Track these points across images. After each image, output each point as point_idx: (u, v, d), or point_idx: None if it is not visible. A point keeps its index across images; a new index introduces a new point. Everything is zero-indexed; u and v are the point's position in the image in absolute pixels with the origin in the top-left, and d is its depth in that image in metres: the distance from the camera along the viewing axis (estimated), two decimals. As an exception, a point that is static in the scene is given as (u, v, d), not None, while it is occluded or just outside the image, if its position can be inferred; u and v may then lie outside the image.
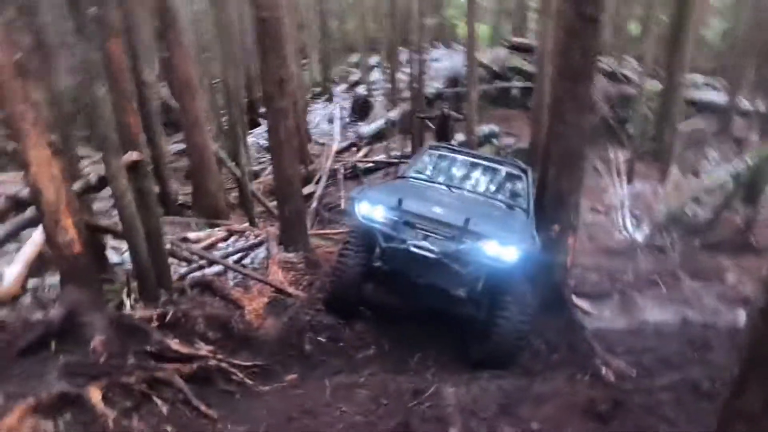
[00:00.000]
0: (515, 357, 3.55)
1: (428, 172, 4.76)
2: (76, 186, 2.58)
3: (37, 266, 3.36)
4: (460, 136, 9.78)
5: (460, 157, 4.88)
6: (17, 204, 3.04)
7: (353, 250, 3.67)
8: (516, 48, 13.23)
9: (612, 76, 11.95)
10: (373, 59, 17.35)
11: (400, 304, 4.00)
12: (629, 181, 9.58)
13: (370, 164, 10.53)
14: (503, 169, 4.74)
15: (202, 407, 2.16)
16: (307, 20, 19.76)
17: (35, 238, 3.43)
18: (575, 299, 5.67)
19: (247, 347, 3.29)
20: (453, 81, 12.66)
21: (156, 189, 6.54)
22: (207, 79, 9.55)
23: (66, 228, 2.19)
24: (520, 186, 4.58)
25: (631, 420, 2.91)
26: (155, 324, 2.77)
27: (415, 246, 3.33)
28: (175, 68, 5.52)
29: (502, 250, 3.27)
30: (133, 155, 2.77)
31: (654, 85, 10.98)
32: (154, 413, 2.03)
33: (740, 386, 1.57)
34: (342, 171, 10.12)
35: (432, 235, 3.41)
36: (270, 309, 3.80)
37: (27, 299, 2.90)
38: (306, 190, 9.43)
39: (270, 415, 2.31)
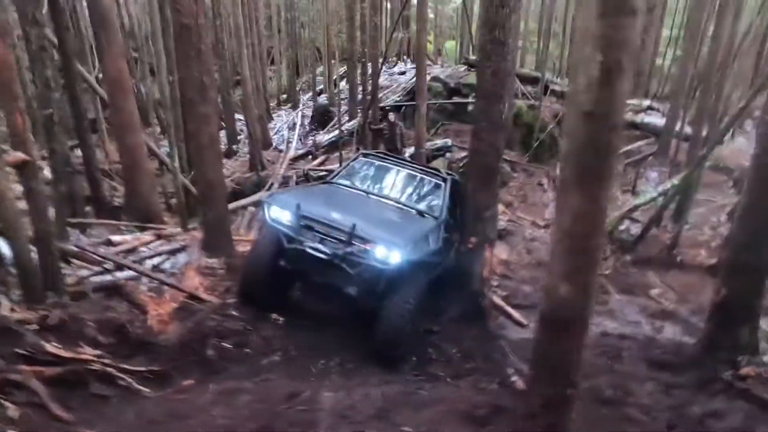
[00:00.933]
0: (396, 351, 3.80)
1: (353, 178, 5.00)
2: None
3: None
4: (411, 149, 10.00)
5: (387, 165, 5.11)
6: None
7: (262, 250, 3.95)
8: (473, 65, 13.68)
9: (560, 95, 12.54)
10: (342, 69, 17.56)
11: (307, 302, 4.28)
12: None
13: (323, 172, 10.59)
14: (425, 178, 4.97)
15: (57, 411, 2.14)
16: (277, 27, 19.83)
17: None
18: (510, 310, 5.88)
19: (144, 352, 3.26)
20: (411, 93, 12.94)
21: (86, 191, 6.46)
22: (152, 78, 9.43)
23: None
24: (437, 194, 4.77)
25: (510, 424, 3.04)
26: (35, 326, 2.72)
27: (310, 247, 3.66)
28: (106, 67, 5.45)
29: (387, 253, 3.55)
30: (19, 155, 2.74)
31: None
32: (3, 417, 2.00)
33: (528, 390, 1.70)
34: (294, 178, 10.15)
35: (327, 238, 3.70)
36: (177, 314, 3.78)
37: None
38: (255, 197, 9.43)
39: (136, 419, 2.31)
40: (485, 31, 4.15)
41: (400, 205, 4.60)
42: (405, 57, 18.81)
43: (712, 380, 3.85)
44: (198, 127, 4.27)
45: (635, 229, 8.55)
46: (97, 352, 2.92)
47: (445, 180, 4.90)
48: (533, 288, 7.13)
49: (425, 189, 4.87)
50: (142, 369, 3.08)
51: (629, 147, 12.37)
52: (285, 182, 10.23)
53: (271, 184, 9.93)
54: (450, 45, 24.44)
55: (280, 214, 3.85)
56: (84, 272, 3.86)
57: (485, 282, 5.10)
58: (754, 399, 3.50)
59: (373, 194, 4.68)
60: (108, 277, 4.01)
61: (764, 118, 3.43)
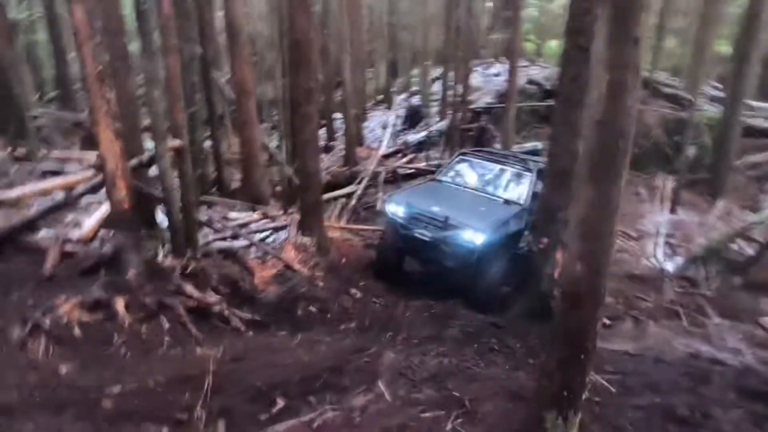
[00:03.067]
0: (491, 302, 4.94)
1: (453, 175, 6.06)
2: (132, 161, 3.51)
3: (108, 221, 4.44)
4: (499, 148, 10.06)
5: (481, 161, 6.06)
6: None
7: (387, 235, 5.38)
8: (573, 67, 13.06)
9: (673, 98, 11.43)
10: (438, 71, 17.92)
11: (420, 270, 5.58)
12: (672, 209, 9.21)
13: (411, 170, 11.12)
14: (512, 170, 5.77)
15: (194, 330, 2.94)
16: (378, 30, 20.84)
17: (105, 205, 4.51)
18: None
19: (250, 304, 4.07)
20: (504, 96, 12.84)
21: (214, 175, 7.79)
22: (273, 82, 10.77)
23: (120, 189, 3.09)
24: (523, 183, 5.55)
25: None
26: (178, 272, 3.63)
27: (418, 233, 4.91)
28: (235, 73, 6.59)
29: (473, 236, 4.72)
30: (176, 142, 3.67)
31: (715, 112, 10.39)
32: (158, 326, 2.83)
33: (547, 353, 1.98)
34: (383, 175, 10.83)
35: (430, 225, 4.90)
36: (276, 279, 4.58)
37: (96, 242, 3.92)
38: (348, 189, 10.31)
39: (243, 347, 3.02)
40: (568, 37, 4.25)
41: (489, 196, 5.55)
42: (502, 58, 18.53)
43: None
44: (302, 125, 5.05)
45: (751, 251, 7.66)
46: (218, 297, 3.76)
47: (530, 170, 5.61)
48: (615, 300, 6.85)
49: (512, 180, 5.69)
50: (249, 316, 3.87)
51: (755, 158, 10.88)
52: (374, 177, 10.96)
53: (362, 179, 10.73)
54: (552, 44, 23.38)
55: (396, 209, 5.16)
56: (210, 237, 4.85)
57: (555, 283, 5.15)
58: None
59: (468, 188, 5.72)
60: (226, 244, 4.98)
61: None
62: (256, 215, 6.32)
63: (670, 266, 7.78)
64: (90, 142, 10.16)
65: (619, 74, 1.41)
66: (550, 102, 12.13)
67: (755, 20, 8.89)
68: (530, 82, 12.80)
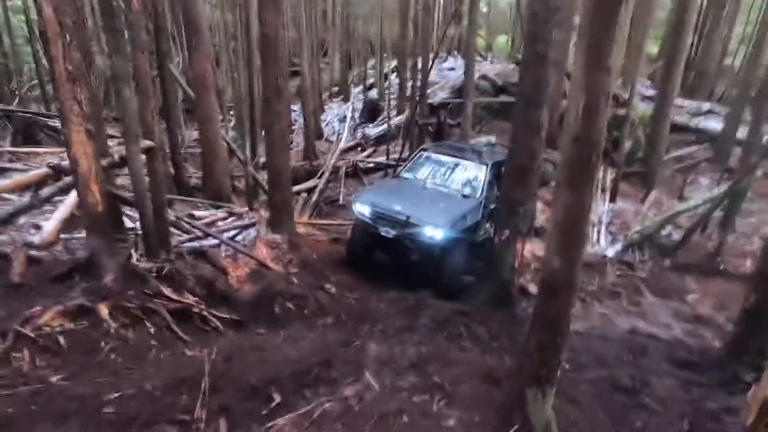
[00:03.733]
0: (454, 291, 5.41)
1: (414, 171, 6.47)
2: (104, 162, 3.39)
3: (68, 224, 4.23)
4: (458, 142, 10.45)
5: (440, 157, 6.50)
6: (57, 172, 3.89)
7: (356, 232, 5.89)
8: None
9: (612, 97, 12.35)
10: (393, 64, 18.08)
11: (385, 262, 5.97)
12: (612, 199, 10.08)
13: (371, 164, 11.29)
14: (469, 164, 6.23)
15: (180, 332, 2.95)
16: (332, 21, 20.61)
17: (68, 201, 4.30)
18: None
19: (226, 304, 4.07)
20: (459, 91, 13.31)
21: (172, 172, 7.50)
22: (228, 77, 10.47)
23: (93, 192, 3.00)
24: (479, 177, 6.03)
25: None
26: (153, 275, 3.57)
27: (383, 230, 5.38)
28: (194, 67, 6.38)
29: (433, 232, 5.19)
30: (147, 143, 3.59)
31: (647, 110, 11.42)
32: (144, 331, 2.82)
33: (528, 336, 2.25)
34: (344, 169, 10.91)
35: (393, 223, 5.34)
36: (251, 277, 4.59)
37: (59, 246, 3.74)
38: (309, 184, 10.29)
39: (230, 347, 3.07)
40: (528, 43, 4.58)
41: (448, 190, 6.00)
42: (455, 53, 19.03)
43: (734, 381, 4.00)
44: (271, 122, 5.05)
45: (678, 235, 8.58)
46: (196, 298, 3.74)
47: (486, 163, 6.11)
48: (565, 284, 7.39)
49: (469, 174, 6.15)
50: (227, 316, 3.89)
51: (681, 152, 12.10)
52: (335, 172, 11.02)
53: (322, 173, 10.75)
54: (501, 40, 24.27)
55: (362, 209, 5.63)
56: (180, 238, 4.75)
57: (515, 271, 5.58)
58: (773, 399, 3.70)
59: (428, 184, 6.15)
60: (195, 244, 4.89)
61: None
62: (221, 213, 6.22)
63: (611, 252, 8.56)
64: (24, 136, 9.40)
65: (593, 98, 1.65)
66: (505, 99, 12.77)
67: (682, 24, 9.85)
68: (483, 77, 13.34)
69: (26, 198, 3.64)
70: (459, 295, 5.43)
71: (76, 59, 2.82)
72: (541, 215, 9.35)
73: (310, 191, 10.05)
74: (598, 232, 8.99)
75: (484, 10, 24.06)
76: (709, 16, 15.46)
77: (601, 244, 8.83)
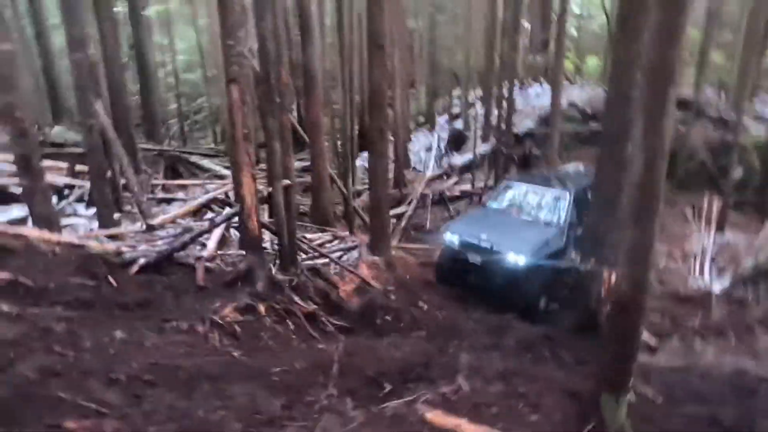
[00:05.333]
0: (535, 311, 5.79)
1: (499, 201, 7.01)
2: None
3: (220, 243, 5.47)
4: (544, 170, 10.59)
5: (523, 187, 6.94)
6: (216, 201, 5.10)
7: (444, 257, 6.56)
8: (614, 90, 13.40)
9: (717, 119, 11.58)
10: (477, 93, 18.57)
11: (472, 286, 6.35)
12: (719, 230, 9.40)
13: (457, 192, 11.83)
14: (551, 192, 6.58)
15: (311, 330, 3.79)
16: (419, 52, 21.81)
17: (220, 227, 5.55)
18: (646, 337, 6.30)
19: (338, 313, 4.90)
20: (545, 120, 13.38)
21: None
22: (330, 116, 11.89)
23: (253, 220, 4.03)
24: (561, 206, 6.35)
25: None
26: (287, 285, 4.52)
27: (471, 257, 5.99)
28: (308, 112, 7.64)
29: (517, 258, 5.68)
30: (286, 182, 4.62)
31: (761, 135, 10.50)
32: (287, 327, 3.70)
33: (603, 348, 2.63)
34: (431, 197, 11.60)
35: (480, 251, 5.91)
36: (356, 292, 5.41)
37: (218, 260, 4.90)
38: (398, 210, 11.14)
39: (349, 344, 3.84)
40: (611, 84, 4.90)
41: (531, 218, 6.43)
42: (542, 80, 18.97)
43: None
44: (376, 159, 5.95)
45: (803, 268, 7.78)
46: (315, 306, 4.62)
47: (569, 192, 6.42)
48: (662, 319, 7.18)
49: (551, 202, 6.52)
50: (339, 323, 4.70)
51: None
52: (422, 199, 11.75)
53: (411, 201, 11.56)
54: (592, 62, 23.46)
55: (452, 238, 6.31)
56: (301, 256, 5.76)
57: (601, 301, 5.68)
58: None
59: (512, 213, 6.65)
60: (310, 262, 5.88)
61: None
62: (327, 236, 7.25)
63: (717, 286, 8.02)
64: (172, 171, 11.59)
65: (651, 153, 2.13)
66: (594, 126, 12.57)
67: None
68: (571, 104, 13.28)
69: (205, 223, 4.87)
70: (544, 321, 5.67)
71: (247, 124, 3.90)
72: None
73: (399, 217, 10.87)
74: (701, 265, 8.48)
75: (574, 33, 23.60)
76: None
77: (705, 278, 8.30)
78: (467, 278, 6.27)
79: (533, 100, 16.12)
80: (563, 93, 14.80)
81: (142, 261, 3.93)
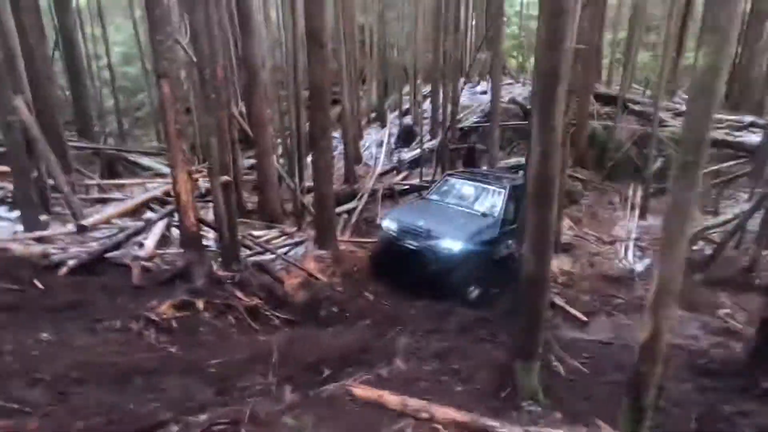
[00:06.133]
0: (465, 294, 6.06)
1: (439, 193, 7.23)
2: (195, 194, 4.44)
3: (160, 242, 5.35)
4: (485, 167, 11.11)
5: (464, 181, 7.23)
6: (156, 200, 5.00)
7: (381, 245, 6.67)
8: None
9: (641, 114, 12.62)
10: (427, 89, 18.97)
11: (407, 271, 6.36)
12: (642, 215, 10.30)
13: (406, 186, 12.12)
14: (490, 187, 6.86)
15: (252, 323, 3.85)
16: (369, 50, 21.94)
17: (159, 225, 5.42)
18: (570, 309, 6.82)
19: (283, 306, 4.96)
20: (489, 115, 13.96)
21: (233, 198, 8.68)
22: (278, 112, 11.76)
23: (190, 217, 4.01)
24: (498, 199, 6.64)
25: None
26: (229, 281, 4.53)
27: (407, 242, 6.07)
28: (253, 110, 7.57)
29: (452, 243, 5.84)
30: (225, 178, 4.62)
31: (677, 127, 11.59)
32: (227, 321, 3.74)
33: (514, 321, 2.92)
34: (381, 191, 11.80)
35: (417, 236, 6.03)
36: (301, 286, 5.49)
37: (157, 259, 4.82)
38: (350, 205, 11.26)
39: (289, 335, 3.93)
40: (535, 104, 5.29)
41: (468, 210, 6.64)
42: (488, 77, 19.67)
43: (751, 387, 4.13)
44: (318, 155, 6.03)
45: (711, 251, 8.67)
46: (259, 300, 4.66)
47: (505, 187, 6.72)
48: (592, 298, 7.81)
49: (489, 195, 6.81)
50: (284, 316, 4.78)
51: (717, 167, 12.05)
52: (373, 194, 11.94)
53: (362, 196, 11.71)
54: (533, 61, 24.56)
55: (389, 224, 6.44)
56: (245, 253, 5.75)
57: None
58: (789, 404, 3.60)
59: (451, 204, 6.84)
60: (256, 258, 5.88)
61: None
62: (274, 233, 7.25)
63: (639, 267, 8.80)
64: (109, 170, 11.02)
65: (545, 147, 2.41)
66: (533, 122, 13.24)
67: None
68: (512, 101, 13.95)
69: (140, 222, 4.75)
70: (483, 305, 5.99)
71: (181, 120, 3.88)
72: (570, 232, 9.75)
73: (350, 212, 10.99)
74: (626, 248, 9.27)
75: (516, 31, 24.66)
76: (751, 26, 15.25)
77: (630, 259, 9.08)
78: (403, 264, 6.32)
79: (479, 96, 16.76)
80: (507, 90, 15.51)
81: (72, 263, 3.81)
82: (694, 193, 1.99)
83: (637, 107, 12.99)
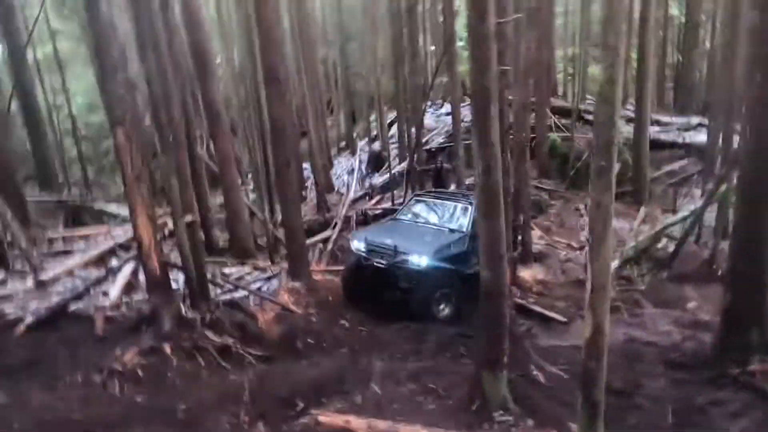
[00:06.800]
0: (436, 312, 6.04)
1: (408, 213, 7.34)
2: (158, 236, 4.40)
3: (126, 289, 5.23)
4: (453, 186, 11.39)
5: (431, 200, 7.38)
6: (121, 247, 4.92)
7: (350, 265, 6.64)
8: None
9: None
10: (393, 115, 19.41)
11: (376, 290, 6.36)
12: (606, 219, 10.65)
13: (378, 211, 12.25)
14: (458, 205, 6.98)
15: (223, 363, 3.78)
16: (334, 81, 22.40)
17: (124, 272, 5.33)
18: (549, 313, 6.93)
19: (258, 342, 4.89)
20: (453, 136, 14.41)
21: (203, 237, 8.57)
22: (244, 145, 11.83)
23: (153, 261, 3.97)
24: (465, 215, 6.72)
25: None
26: (199, 322, 4.46)
27: (376, 261, 6.07)
28: (218, 148, 7.61)
29: (419, 259, 5.82)
30: (188, 218, 4.61)
31: (629, 132, 12.24)
32: (197, 363, 3.67)
33: (476, 332, 2.99)
34: (355, 217, 11.88)
35: (384, 255, 6.01)
36: (276, 320, 5.43)
37: (123, 308, 4.71)
38: (324, 235, 11.26)
39: (262, 371, 3.88)
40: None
41: (437, 227, 6.70)
42: (449, 98, 20.33)
43: (721, 377, 4.27)
44: (284, 188, 6.09)
45: (673, 247, 9.01)
46: (233, 339, 4.58)
47: (471, 204, 6.71)
48: (566, 304, 7.95)
49: (457, 212, 6.92)
50: (258, 353, 4.70)
51: (670, 167, 12.71)
52: (347, 221, 12.00)
53: (335, 224, 11.74)
54: (494, 81, 25.59)
55: (358, 245, 6.39)
56: (216, 291, 5.68)
57: (510, 294, 6.26)
58: (755, 390, 3.89)
59: (420, 222, 6.95)
60: (228, 296, 5.81)
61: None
62: (247, 269, 7.18)
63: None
64: (74, 220, 10.74)
65: (487, 161, 2.55)
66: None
67: (642, 47, 10.88)
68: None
69: (101, 271, 4.65)
70: (459, 322, 5.99)
71: (138, 165, 3.90)
72: (541, 241, 10.00)
73: (325, 241, 10.98)
74: (595, 252, 9.53)
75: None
76: (688, 34, 16.44)
77: (599, 263, 9.31)
78: (372, 283, 6.28)
79: (444, 117, 17.27)
80: (467, 110, 16.02)
81: (29, 320, 3.70)
82: (610, 193, 2.14)
83: (591, 117, 13.64)
